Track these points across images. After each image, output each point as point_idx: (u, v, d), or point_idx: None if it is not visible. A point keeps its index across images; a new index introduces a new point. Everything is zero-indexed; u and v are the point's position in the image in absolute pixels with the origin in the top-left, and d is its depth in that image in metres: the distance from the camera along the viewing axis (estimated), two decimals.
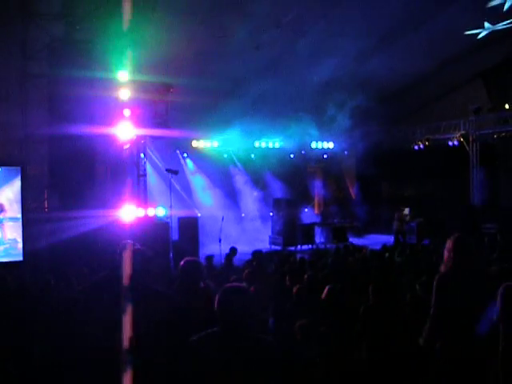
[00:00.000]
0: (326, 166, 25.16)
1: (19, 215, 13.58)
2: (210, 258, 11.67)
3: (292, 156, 23.52)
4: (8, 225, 13.49)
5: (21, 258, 13.43)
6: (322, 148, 23.99)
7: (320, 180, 25.41)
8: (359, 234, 22.48)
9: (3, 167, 13.81)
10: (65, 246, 13.05)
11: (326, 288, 6.73)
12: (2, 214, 13.51)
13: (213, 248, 15.84)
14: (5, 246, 13.43)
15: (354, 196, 25.48)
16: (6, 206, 13.52)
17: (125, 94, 7.54)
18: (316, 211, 24.56)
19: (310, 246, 20.17)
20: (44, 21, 14.88)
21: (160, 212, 16.28)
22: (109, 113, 13.98)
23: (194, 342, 3.56)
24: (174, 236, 16.47)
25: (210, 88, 17.73)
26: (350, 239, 20.63)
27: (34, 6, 15.03)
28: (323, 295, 6.67)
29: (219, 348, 3.50)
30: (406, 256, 11.67)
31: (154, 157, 19.87)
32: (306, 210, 23.30)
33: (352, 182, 25.96)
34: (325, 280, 7.72)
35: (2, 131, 13.95)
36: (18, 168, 13.89)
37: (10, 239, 13.46)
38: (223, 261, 12.51)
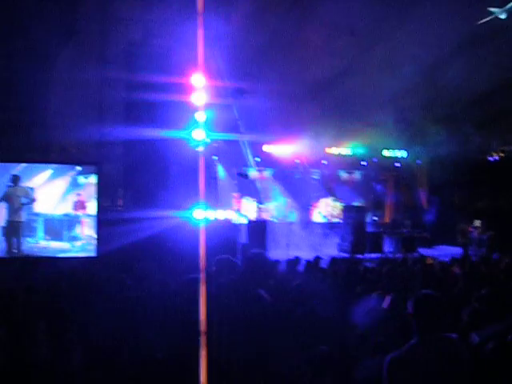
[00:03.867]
0: (398, 174, 24.87)
1: (94, 213, 14.09)
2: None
3: (364, 163, 23.38)
4: (86, 221, 14.01)
5: (94, 255, 13.91)
6: (395, 156, 23.76)
7: (391, 188, 25.14)
8: (429, 244, 22.11)
9: (82, 166, 14.33)
10: (136, 245, 13.39)
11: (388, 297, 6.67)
12: (82, 210, 14.04)
13: (280, 253, 15.91)
14: (82, 241, 13.97)
15: (425, 206, 25.11)
16: (87, 203, 14.05)
17: (199, 98, 7.68)
18: (386, 220, 24.32)
19: (378, 254, 20.00)
20: (122, 26, 15.31)
21: (229, 215, 16.49)
22: (183, 117, 14.24)
23: (396, 360, 3.61)
24: (243, 239, 16.63)
25: (283, 92, 17.85)
26: (419, 249, 20.34)
27: (112, 12, 15.49)
28: (385, 304, 6.63)
29: (426, 360, 3.55)
30: (470, 268, 11.45)
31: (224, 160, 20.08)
32: (376, 218, 23.10)
33: (424, 191, 25.59)
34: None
35: (81, 132, 14.41)
36: (95, 167, 14.37)
37: (87, 235, 13.98)
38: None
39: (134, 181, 15.15)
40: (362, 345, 5.08)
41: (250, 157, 21.35)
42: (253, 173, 20.98)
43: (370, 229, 20.96)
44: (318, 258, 12.63)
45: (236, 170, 19.23)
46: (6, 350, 4.76)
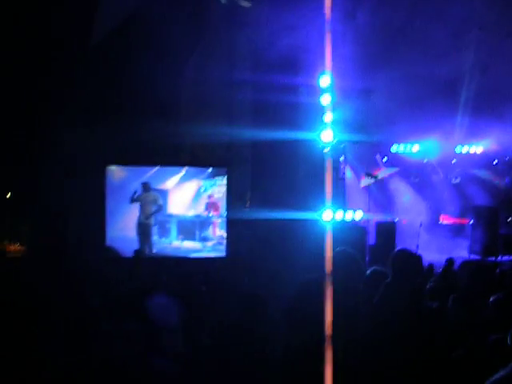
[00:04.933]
0: None
1: (225, 214, 14.42)
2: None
3: (495, 162, 22.56)
4: (217, 222, 14.38)
5: (224, 255, 14.23)
6: None
7: None
8: None
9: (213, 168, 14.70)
10: (264, 245, 13.57)
11: None
12: (215, 212, 14.43)
13: None
14: (213, 241, 14.35)
15: None
16: (219, 205, 14.41)
17: (326, 99, 7.75)
18: None
19: None
20: (250, 28, 15.54)
21: (358, 216, 16.40)
22: (310, 118, 14.30)
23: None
24: (371, 240, 16.49)
25: (411, 91, 17.57)
26: None
27: (241, 14, 15.75)
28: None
29: None
30: None
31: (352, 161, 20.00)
32: (510, 219, 22.25)
33: None
34: None
35: (211, 135, 14.75)
36: (225, 169, 14.70)
37: (218, 235, 14.34)
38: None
39: (261, 182, 15.34)
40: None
41: (378, 157, 21.14)
42: (381, 173, 20.77)
43: (503, 230, 20.21)
44: (451, 260, 12.28)
45: (364, 170, 19.07)
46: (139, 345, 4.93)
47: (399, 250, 5.04)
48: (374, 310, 4.64)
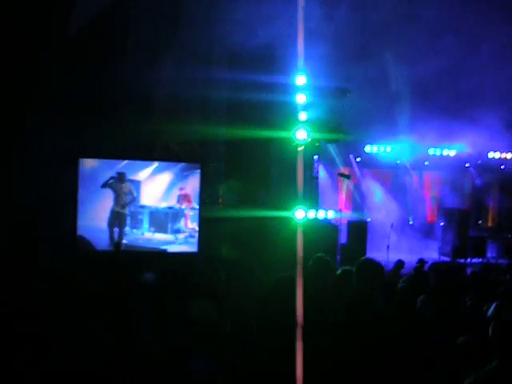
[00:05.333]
0: (503, 177, 24.10)
1: (197, 207, 14.47)
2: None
3: (467, 165, 22.83)
4: (189, 214, 14.42)
5: (196, 250, 14.28)
6: (499, 158, 23.04)
7: (496, 192, 24.41)
8: None
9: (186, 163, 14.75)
10: (236, 242, 13.63)
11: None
12: (187, 203, 14.46)
13: (380, 255, 15.81)
14: (185, 233, 14.39)
15: None
16: (191, 197, 14.47)
17: (301, 98, 7.79)
18: (489, 224, 23.65)
19: (481, 259, 19.49)
20: (226, 26, 15.56)
21: (330, 214, 16.51)
22: (285, 117, 14.36)
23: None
24: (343, 239, 16.61)
25: (385, 93, 17.73)
26: None
27: (217, 12, 15.76)
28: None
29: None
30: None
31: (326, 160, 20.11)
32: (480, 222, 22.53)
33: None
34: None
35: (185, 131, 14.74)
36: (198, 165, 14.74)
37: (190, 228, 14.40)
38: (390, 269, 12.44)
39: (235, 179, 15.39)
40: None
41: (351, 156, 21.27)
42: (354, 173, 20.93)
43: (472, 233, 20.45)
44: (422, 261, 12.47)
45: (337, 170, 19.21)
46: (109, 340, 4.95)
47: (364, 259, 5.19)
48: (343, 308, 4.74)
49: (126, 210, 14.26)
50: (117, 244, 12.71)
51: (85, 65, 13.63)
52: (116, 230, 14.21)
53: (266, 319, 4.71)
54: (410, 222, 22.10)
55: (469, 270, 11.78)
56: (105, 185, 14.07)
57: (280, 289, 4.50)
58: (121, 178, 14.13)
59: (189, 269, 9.38)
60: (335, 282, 5.60)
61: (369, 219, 18.84)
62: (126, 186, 14.19)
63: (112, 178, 14.11)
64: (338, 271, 6.08)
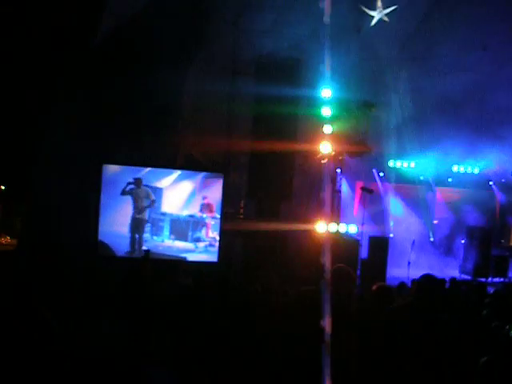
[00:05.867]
0: None
1: (219, 217, 14.48)
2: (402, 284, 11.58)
3: (491, 183, 22.63)
4: (211, 224, 14.43)
5: (216, 260, 14.27)
6: None
7: None
8: None
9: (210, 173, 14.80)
10: (257, 253, 13.61)
11: None
12: (209, 213, 14.47)
13: (401, 271, 15.72)
14: (205, 243, 14.40)
15: None
16: (214, 206, 14.49)
17: (327, 111, 7.76)
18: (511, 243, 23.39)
19: (502, 279, 19.26)
20: (254, 37, 15.60)
21: (352, 229, 16.43)
22: (310, 129, 14.35)
23: None
24: (363, 254, 16.51)
25: (412, 107, 17.67)
26: None
27: (244, 23, 15.81)
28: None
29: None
30: None
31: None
32: (502, 240, 22.29)
33: None
34: None
35: (210, 141, 14.80)
36: (221, 174, 14.76)
37: (210, 237, 14.40)
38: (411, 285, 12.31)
39: (257, 190, 15.39)
40: None
41: (375, 171, 21.17)
42: (377, 188, 20.81)
43: (495, 252, 20.24)
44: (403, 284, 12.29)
45: (361, 184, 19.13)
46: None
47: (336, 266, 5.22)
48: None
49: (145, 216, 14.29)
50: (146, 251, 12.70)
51: (111, 74, 13.74)
52: (136, 236, 14.27)
53: (291, 332, 4.70)
54: (431, 239, 21.92)
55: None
56: (123, 192, 14.13)
57: (305, 301, 4.48)
58: (137, 183, 14.19)
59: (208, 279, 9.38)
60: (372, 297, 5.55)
61: (391, 235, 18.73)
62: (143, 191, 14.24)
63: (129, 183, 14.16)
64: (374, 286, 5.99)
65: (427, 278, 4.93)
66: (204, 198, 14.54)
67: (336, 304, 4.56)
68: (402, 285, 11.46)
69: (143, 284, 8.78)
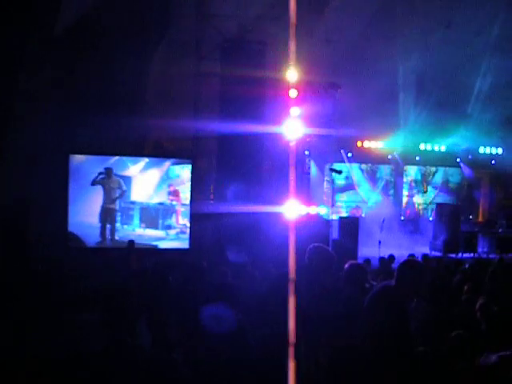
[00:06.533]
0: (493, 172, 24.14)
1: (187, 203, 14.46)
2: (367, 261, 11.70)
3: (458, 160, 22.86)
4: (180, 210, 14.40)
5: (187, 246, 14.25)
6: (491, 153, 23.08)
7: (486, 187, 24.45)
8: None
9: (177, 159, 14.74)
10: (228, 238, 13.58)
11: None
12: (176, 199, 14.43)
13: (371, 250, 15.81)
14: (176, 230, 14.37)
15: None
16: (181, 193, 14.45)
17: (293, 93, 7.78)
18: (480, 219, 23.68)
19: (472, 254, 19.48)
20: (217, 21, 15.53)
21: (321, 210, 16.51)
22: (277, 112, 14.31)
23: None
24: (334, 235, 16.60)
25: (377, 87, 17.70)
26: None
27: (207, 7, 15.72)
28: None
29: None
30: None
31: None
32: (471, 216, 22.56)
33: None
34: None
35: (177, 127, 14.70)
36: (189, 160, 14.71)
37: (181, 224, 14.38)
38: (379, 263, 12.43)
39: (227, 175, 15.35)
40: None
41: (343, 152, 21.24)
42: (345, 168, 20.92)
43: (463, 228, 20.46)
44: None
45: (329, 165, 19.18)
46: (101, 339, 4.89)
47: (313, 246, 5.30)
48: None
49: (116, 205, 14.22)
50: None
51: (73, 62, 13.58)
52: (108, 226, 14.18)
53: (266, 316, 4.70)
54: (402, 218, 22.12)
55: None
56: (94, 182, 14.03)
57: (281, 286, 4.47)
58: (108, 173, 14.10)
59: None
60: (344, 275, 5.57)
61: (362, 215, 18.84)
62: (114, 181, 14.16)
63: (100, 173, 14.07)
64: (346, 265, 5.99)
65: (409, 265, 4.82)
66: (170, 185, 14.50)
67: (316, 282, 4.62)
68: (368, 261, 11.62)
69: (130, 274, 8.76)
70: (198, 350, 4.48)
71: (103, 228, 14.16)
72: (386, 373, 4.14)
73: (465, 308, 6.70)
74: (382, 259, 12.50)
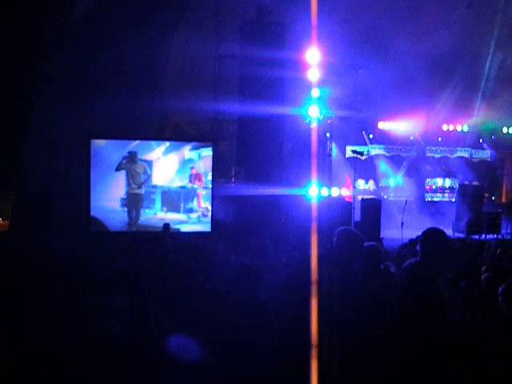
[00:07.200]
0: None
1: (210, 186, 14.46)
2: (380, 240, 11.66)
3: (481, 141, 22.63)
4: (202, 194, 14.41)
5: (209, 230, 14.26)
6: None
7: (509, 167, 24.17)
8: None
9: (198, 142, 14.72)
10: (250, 220, 13.58)
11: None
12: (199, 183, 14.44)
13: (394, 232, 15.72)
14: (198, 213, 14.39)
15: None
16: (202, 176, 14.45)
17: (314, 74, 7.67)
18: (503, 200, 23.45)
19: (495, 235, 19.29)
20: (236, 3, 15.44)
21: (344, 192, 16.45)
22: (297, 93, 14.25)
23: None
24: (357, 217, 16.52)
25: (400, 68, 17.54)
26: None
27: None
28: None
29: None
30: None
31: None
32: (494, 197, 22.36)
33: None
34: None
35: (197, 110, 14.69)
36: (210, 144, 14.68)
37: (203, 207, 14.39)
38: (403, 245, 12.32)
39: (247, 157, 15.32)
40: None
41: (364, 133, 21.12)
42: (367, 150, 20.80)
43: (486, 209, 20.27)
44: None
45: (350, 147, 19.09)
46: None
47: (341, 229, 5.23)
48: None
49: (142, 190, 14.25)
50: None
51: (94, 45, 13.58)
52: (134, 211, 14.23)
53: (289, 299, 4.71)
54: (427, 199, 21.96)
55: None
56: (118, 167, 14.06)
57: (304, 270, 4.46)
58: (132, 157, 14.11)
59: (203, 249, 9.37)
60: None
61: (385, 196, 18.73)
62: (139, 166, 14.17)
63: (124, 158, 14.09)
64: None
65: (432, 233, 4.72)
66: (192, 168, 14.48)
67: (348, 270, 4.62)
68: (380, 241, 11.56)
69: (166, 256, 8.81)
70: (222, 332, 4.48)
71: (130, 213, 14.20)
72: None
73: (486, 291, 6.63)
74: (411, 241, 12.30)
